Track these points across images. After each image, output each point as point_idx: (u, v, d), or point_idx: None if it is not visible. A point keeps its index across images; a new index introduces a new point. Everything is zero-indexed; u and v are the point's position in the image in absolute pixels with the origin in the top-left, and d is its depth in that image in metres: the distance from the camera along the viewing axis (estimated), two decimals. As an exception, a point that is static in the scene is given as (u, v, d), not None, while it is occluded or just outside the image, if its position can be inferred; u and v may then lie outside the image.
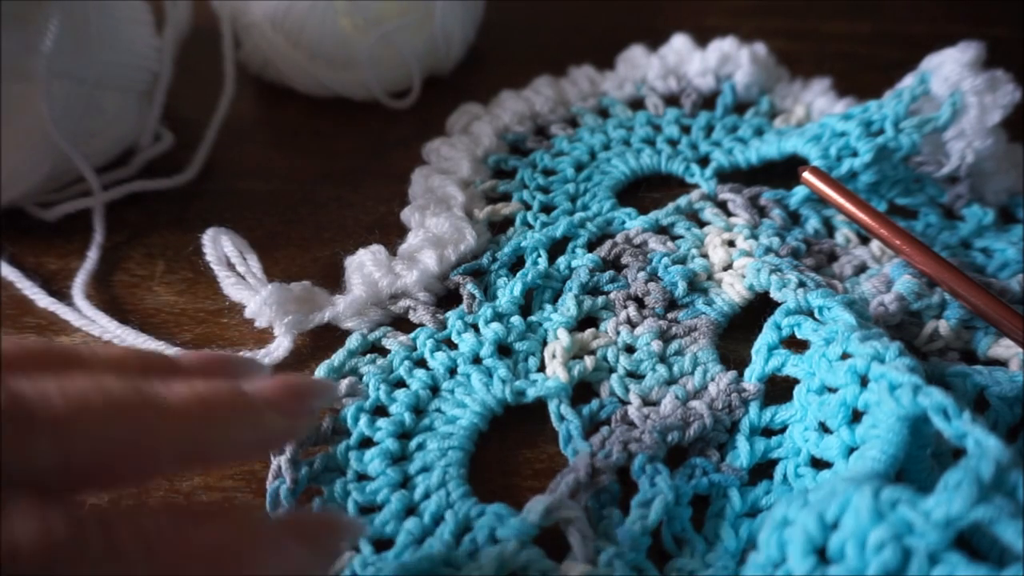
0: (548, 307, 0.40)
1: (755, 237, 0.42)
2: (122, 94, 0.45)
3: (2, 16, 0.38)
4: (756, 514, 0.33)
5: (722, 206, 0.45)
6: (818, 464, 0.34)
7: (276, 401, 0.26)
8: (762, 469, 0.35)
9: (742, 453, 0.34)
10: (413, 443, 0.35)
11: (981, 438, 0.27)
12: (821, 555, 0.26)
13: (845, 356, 0.34)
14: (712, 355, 0.38)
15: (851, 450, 0.32)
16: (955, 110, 0.43)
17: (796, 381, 0.36)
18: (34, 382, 0.22)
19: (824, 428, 0.34)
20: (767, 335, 0.37)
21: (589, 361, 0.37)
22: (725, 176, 0.46)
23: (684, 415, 0.35)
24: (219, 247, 0.41)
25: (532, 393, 0.36)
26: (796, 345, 0.37)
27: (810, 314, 0.37)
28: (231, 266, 0.41)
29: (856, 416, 0.33)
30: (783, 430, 0.35)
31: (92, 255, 0.43)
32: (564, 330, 0.38)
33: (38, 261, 0.43)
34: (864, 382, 0.32)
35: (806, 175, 0.42)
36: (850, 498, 0.26)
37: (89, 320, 0.40)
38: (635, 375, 0.38)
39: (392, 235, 0.43)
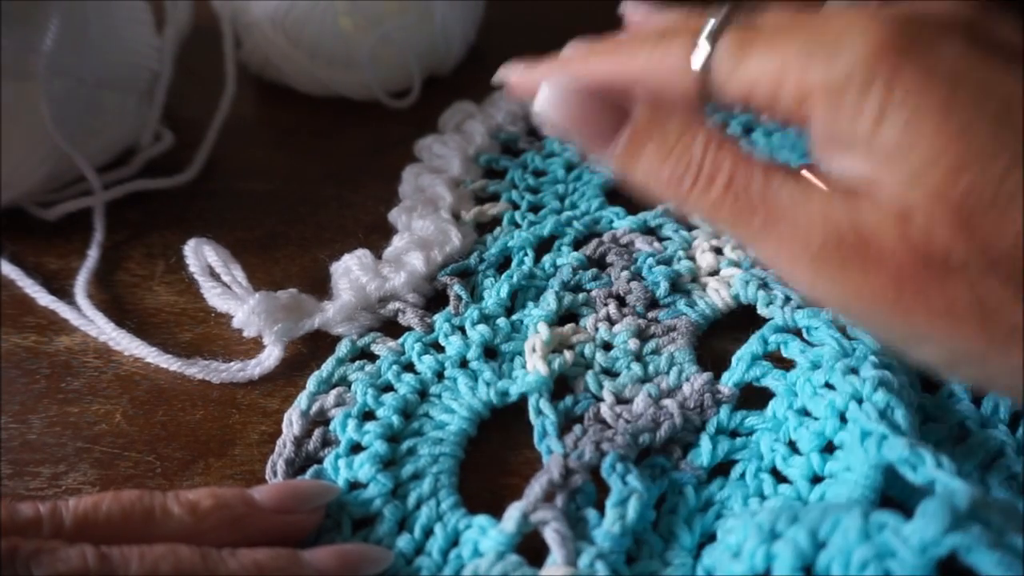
0: (531, 304, 0.40)
1: (743, 245, 0.42)
2: (122, 94, 0.45)
3: (2, 16, 0.39)
4: (708, 508, 0.32)
5: (713, 208, 0.44)
6: (779, 476, 0.33)
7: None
8: (722, 469, 0.34)
9: (704, 452, 0.34)
10: (403, 447, 0.34)
11: (947, 482, 0.27)
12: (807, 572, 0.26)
13: (828, 385, 0.34)
14: (689, 356, 0.37)
15: (815, 477, 0.32)
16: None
17: (774, 393, 0.36)
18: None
19: (793, 447, 0.34)
20: (752, 345, 0.37)
21: (568, 356, 0.37)
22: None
23: (655, 415, 0.34)
24: (201, 257, 0.40)
25: (515, 391, 0.36)
26: (782, 359, 0.37)
27: (797, 332, 0.37)
28: (215, 276, 0.40)
29: (830, 447, 0.33)
30: (750, 434, 0.35)
31: (92, 254, 0.43)
32: (544, 324, 0.38)
33: (38, 260, 0.43)
34: (843, 418, 0.32)
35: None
36: (841, 518, 0.26)
37: (88, 320, 0.40)
38: (610, 372, 0.37)
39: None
